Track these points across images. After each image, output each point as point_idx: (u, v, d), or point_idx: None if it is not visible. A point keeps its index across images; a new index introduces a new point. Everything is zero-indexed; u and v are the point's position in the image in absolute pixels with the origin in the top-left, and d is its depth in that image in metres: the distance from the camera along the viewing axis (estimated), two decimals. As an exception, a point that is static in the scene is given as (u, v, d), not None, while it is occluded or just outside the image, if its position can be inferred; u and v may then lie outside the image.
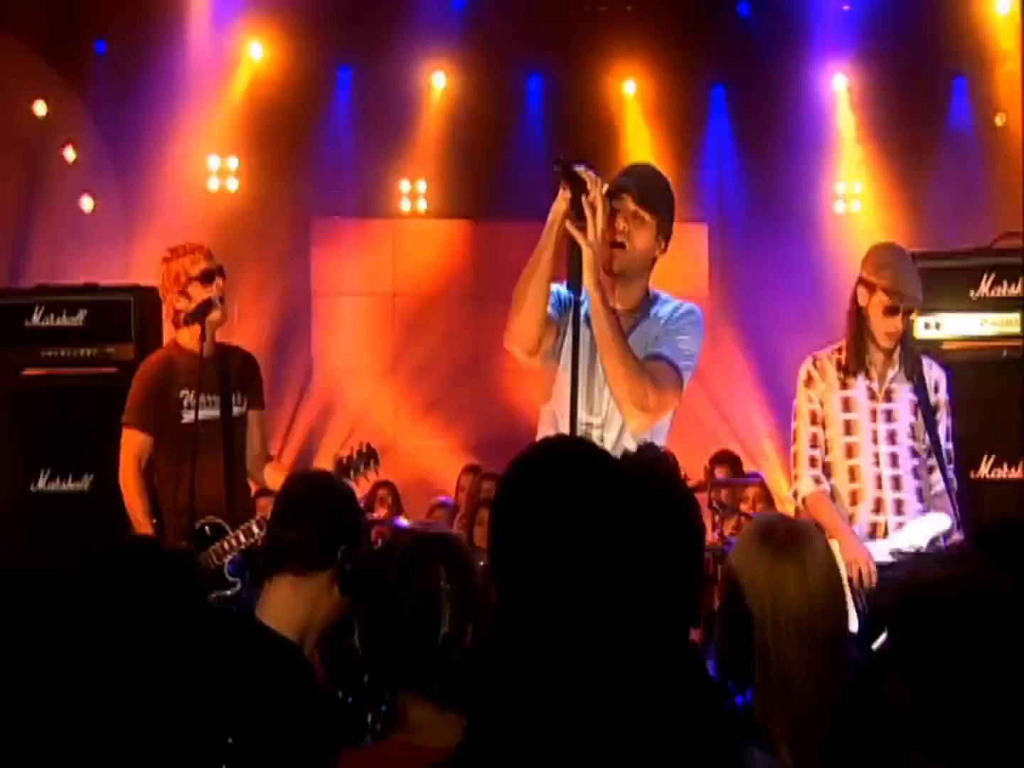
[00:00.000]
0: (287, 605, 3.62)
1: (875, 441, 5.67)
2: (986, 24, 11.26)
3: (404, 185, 12.05)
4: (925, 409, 5.66)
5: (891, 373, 5.72)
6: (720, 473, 8.97)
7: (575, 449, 2.40)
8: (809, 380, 5.85)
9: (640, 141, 11.93)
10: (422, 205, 12.14)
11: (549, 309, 4.64)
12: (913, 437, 5.68)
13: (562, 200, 4.53)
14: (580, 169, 4.53)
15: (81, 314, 7.16)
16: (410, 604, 3.02)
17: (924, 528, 5.57)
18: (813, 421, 5.81)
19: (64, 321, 7.18)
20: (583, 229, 4.49)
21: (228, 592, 5.88)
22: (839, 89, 11.91)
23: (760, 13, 11.60)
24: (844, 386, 5.78)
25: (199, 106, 11.28)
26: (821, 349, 5.95)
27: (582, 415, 4.56)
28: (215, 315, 6.10)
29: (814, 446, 5.80)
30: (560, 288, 4.69)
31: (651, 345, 4.68)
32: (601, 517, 2.22)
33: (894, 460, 5.65)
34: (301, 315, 11.89)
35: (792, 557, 2.98)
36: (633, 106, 12.02)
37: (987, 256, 6.62)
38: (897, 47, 11.30)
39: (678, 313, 4.75)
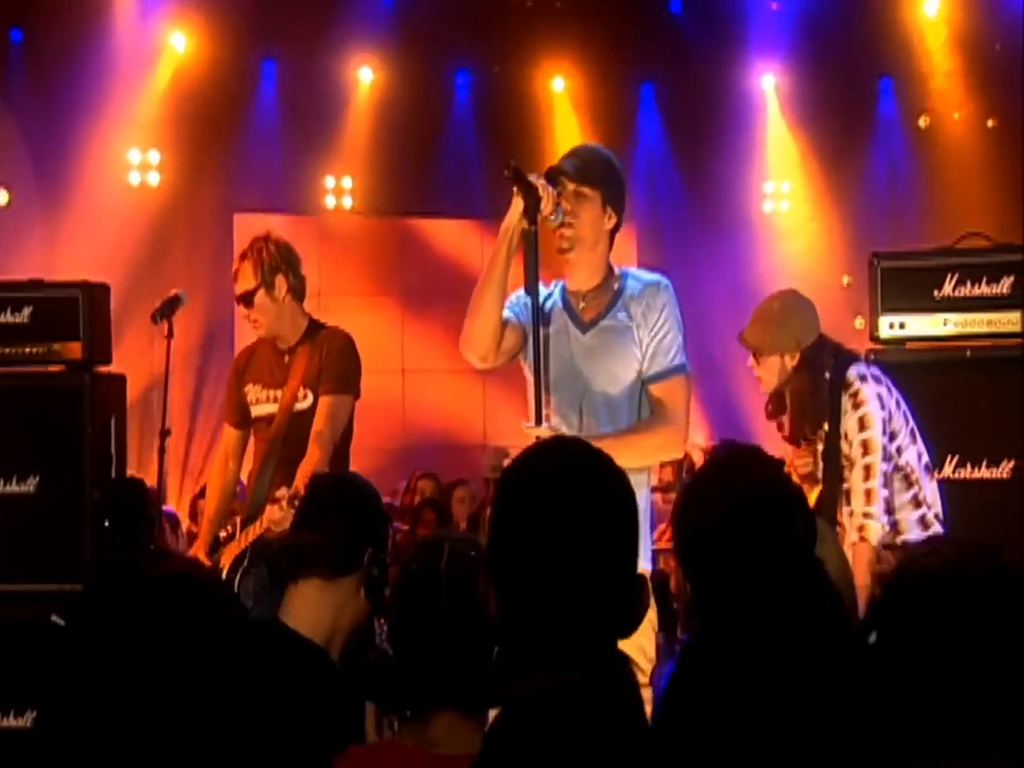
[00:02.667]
0: (313, 609, 3.52)
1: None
2: (913, 26, 11.37)
3: (329, 181, 11.89)
4: (826, 453, 5.59)
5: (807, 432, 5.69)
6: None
7: (563, 450, 2.33)
8: None
9: (569, 138, 11.86)
10: (347, 202, 12.00)
11: (510, 314, 4.68)
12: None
13: (515, 209, 4.52)
14: (533, 178, 4.52)
15: (26, 311, 6.89)
16: (461, 619, 2.91)
17: None
18: None
19: (8, 318, 6.91)
20: (536, 236, 4.51)
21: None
22: (768, 89, 11.95)
23: (691, 11, 11.60)
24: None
25: (120, 98, 11.09)
26: None
27: (554, 421, 4.56)
28: (259, 330, 5.90)
29: None
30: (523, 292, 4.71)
31: (632, 342, 4.67)
32: (595, 513, 2.18)
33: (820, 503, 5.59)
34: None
35: None
36: (562, 103, 11.99)
37: (951, 256, 6.60)
38: (826, 48, 11.39)
39: (654, 299, 4.69)
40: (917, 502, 5.55)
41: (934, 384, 6.33)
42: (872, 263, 6.67)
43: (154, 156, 11.45)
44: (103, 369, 7.12)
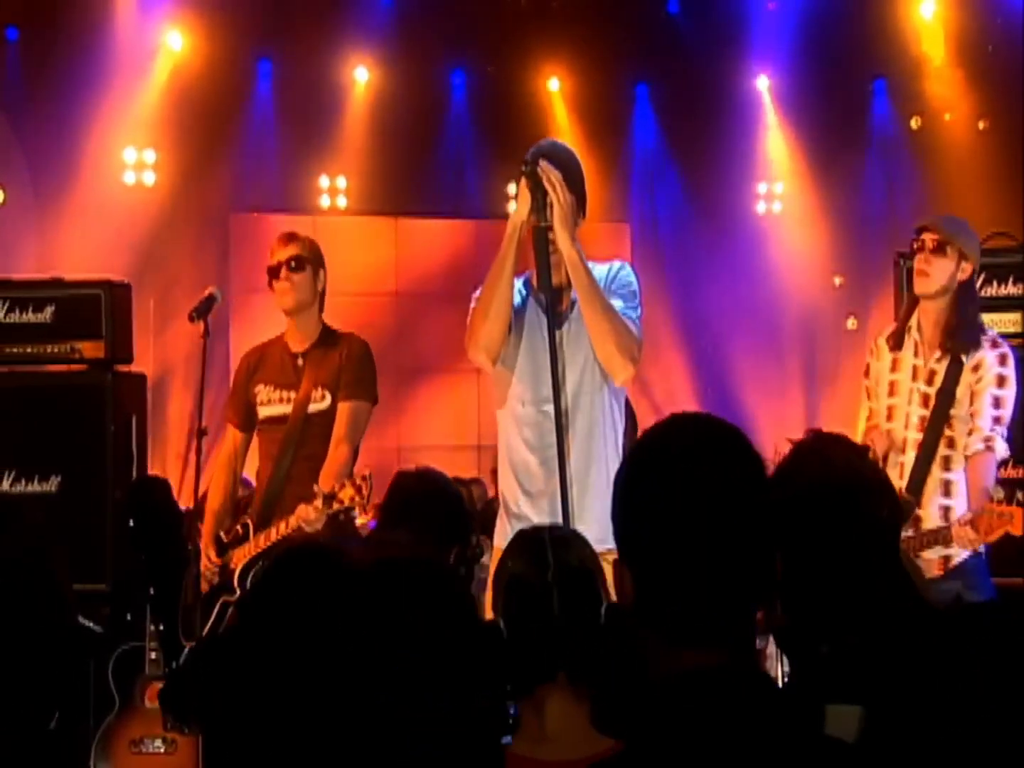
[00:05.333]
0: None
1: (906, 427, 5.53)
2: (908, 28, 11.41)
3: (323, 181, 11.84)
4: (939, 397, 5.50)
5: (937, 353, 5.49)
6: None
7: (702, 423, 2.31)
8: (870, 353, 5.72)
9: (564, 139, 11.85)
10: (342, 201, 11.95)
11: None
12: (950, 426, 5.51)
13: (523, 205, 4.57)
14: (544, 167, 4.54)
15: (48, 309, 6.88)
16: (567, 595, 2.91)
17: None
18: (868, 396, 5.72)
19: (30, 316, 6.90)
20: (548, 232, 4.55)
21: (232, 598, 5.69)
22: (762, 89, 11.97)
23: (688, 12, 11.61)
24: (893, 368, 5.59)
25: (116, 97, 11.00)
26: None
27: (542, 403, 4.60)
28: (290, 300, 5.87)
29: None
30: None
31: None
32: (742, 489, 2.14)
33: (920, 448, 5.50)
34: (222, 313, 11.56)
35: None
36: (558, 103, 11.97)
37: (977, 256, 6.64)
38: (820, 49, 11.40)
39: (613, 273, 4.80)
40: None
41: (960, 383, 6.32)
42: (898, 263, 6.67)
43: (150, 155, 11.36)
44: (124, 368, 7.10)
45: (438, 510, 3.55)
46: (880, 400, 5.63)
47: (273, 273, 5.90)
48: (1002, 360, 5.44)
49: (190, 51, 11.26)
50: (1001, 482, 6.31)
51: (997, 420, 5.41)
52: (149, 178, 11.39)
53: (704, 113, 11.77)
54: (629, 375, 4.70)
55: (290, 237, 6.01)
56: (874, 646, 2.61)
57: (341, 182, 11.88)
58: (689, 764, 2.03)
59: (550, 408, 4.55)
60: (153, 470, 10.06)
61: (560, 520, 4.23)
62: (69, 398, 6.78)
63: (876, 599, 2.78)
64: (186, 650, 6.10)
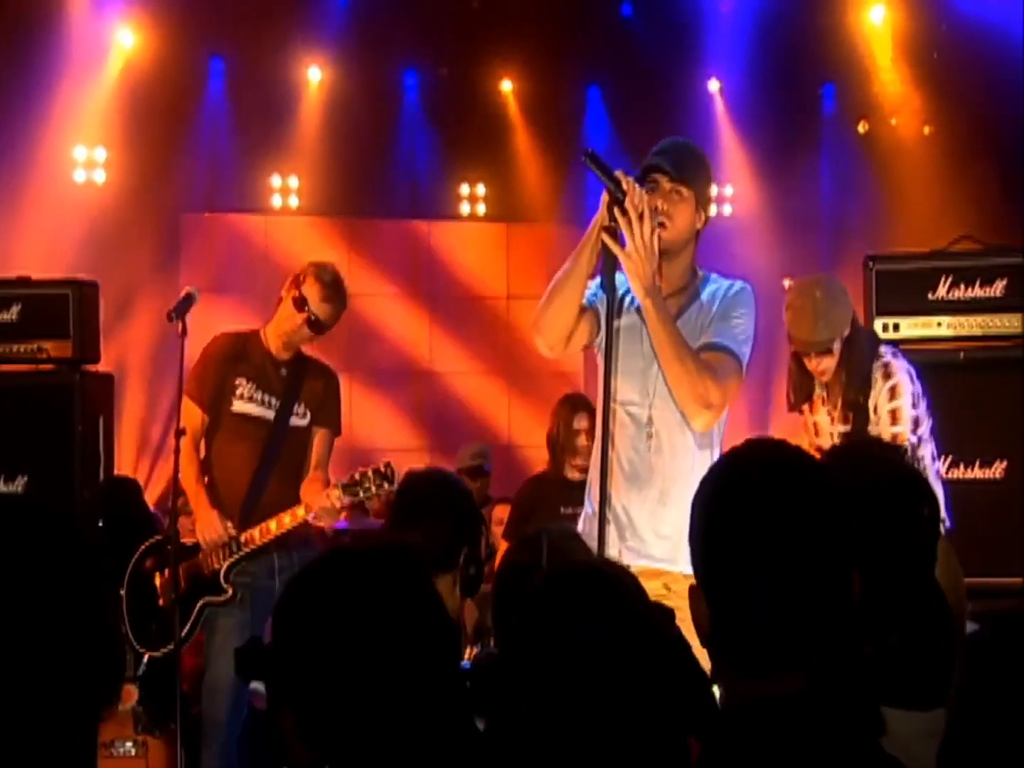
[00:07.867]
0: None
1: None
2: (857, 33, 11.50)
3: (276, 180, 11.79)
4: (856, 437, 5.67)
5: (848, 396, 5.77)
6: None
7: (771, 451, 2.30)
8: (787, 400, 6.05)
9: (518, 140, 11.90)
10: (294, 201, 11.90)
11: (591, 300, 4.53)
12: None
13: (604, 203, 4.38)
14: (619, 172, 4.37)
15: (15, 308, 6.83)
16: None
17: None
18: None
19: (-4, 315, 6.85)
20: (617, 233, 4.34)
21: (220, 598, 5.68)
22: (714, 92, 12.03)
23: (642, 15, 11.65)
24: (812, 411, 5.91)
25: (66, 94, 10.89)
26: None
27: (628, 404, 4.48)
28: (304, 340, 6.03)
29: None
30: None
31: (703, 332, 4.53)
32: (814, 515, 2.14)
33: None
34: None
35: None
36: (511, 104, 11.98)
37: (945, 259, 6.73)
38: (771, 53, 11.46)
39: (730, 293, 4.62)
40: None
41: (928, 386, 6.42)
42: (867, 265, 6.76)
43: (100, 153, 11.28)
44: (91, 367, 7.05)
45: (449, 511, 3.54)
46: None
47: (311, 316, 5.97)
48: (892, 395, 5.68)
49: (141, 48, 11.17)
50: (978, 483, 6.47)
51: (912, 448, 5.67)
52: (100, 176, 11.30)
53: (656, 115, 11.76)
54: (705, 421, 4.44)
55: (343, 299, 6.15)
56: (915, 649, 2.62)
57: (293, 182, 11.83)
58: None
59: (635, 410, 4.48)
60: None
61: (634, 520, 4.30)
62: (36, 398, 6.74)
63: (918, 599, 2.79)
64: (145, 659, 6.05)
